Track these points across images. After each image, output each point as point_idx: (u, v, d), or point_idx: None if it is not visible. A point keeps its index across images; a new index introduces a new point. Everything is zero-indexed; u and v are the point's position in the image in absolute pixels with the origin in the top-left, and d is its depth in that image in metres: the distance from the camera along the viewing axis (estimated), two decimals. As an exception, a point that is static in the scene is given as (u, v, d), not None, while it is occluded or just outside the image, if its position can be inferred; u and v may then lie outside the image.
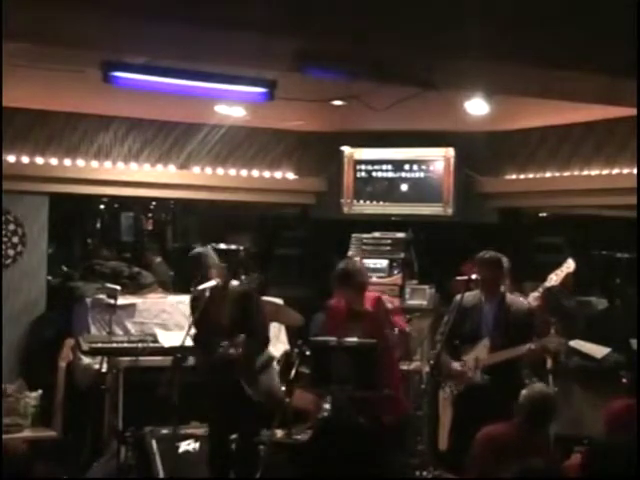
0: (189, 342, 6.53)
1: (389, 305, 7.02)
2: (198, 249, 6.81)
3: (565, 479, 4.82)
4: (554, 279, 7.17)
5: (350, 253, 8.68)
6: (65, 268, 8.94)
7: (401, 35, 4.75)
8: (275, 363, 7.37)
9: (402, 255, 8.68)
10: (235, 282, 6.76)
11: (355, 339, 6.33)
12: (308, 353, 6.56)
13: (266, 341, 6.67)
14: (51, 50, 5.14)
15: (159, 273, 9.40)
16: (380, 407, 6.50)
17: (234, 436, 6.61)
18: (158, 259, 10.06)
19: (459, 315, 6.55)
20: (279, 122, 8.64)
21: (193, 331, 6.50)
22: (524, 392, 5.60)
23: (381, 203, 9.14)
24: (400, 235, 8.79)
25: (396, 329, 6.81)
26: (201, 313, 6.39)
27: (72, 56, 5.34)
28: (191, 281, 6.58)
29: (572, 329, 7.70)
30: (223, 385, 6.44)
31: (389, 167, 9.11)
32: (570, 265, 7.14)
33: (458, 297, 6.65)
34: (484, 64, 5.05)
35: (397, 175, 9.09)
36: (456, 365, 6.56)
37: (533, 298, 7.16)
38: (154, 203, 11.43)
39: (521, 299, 6.87)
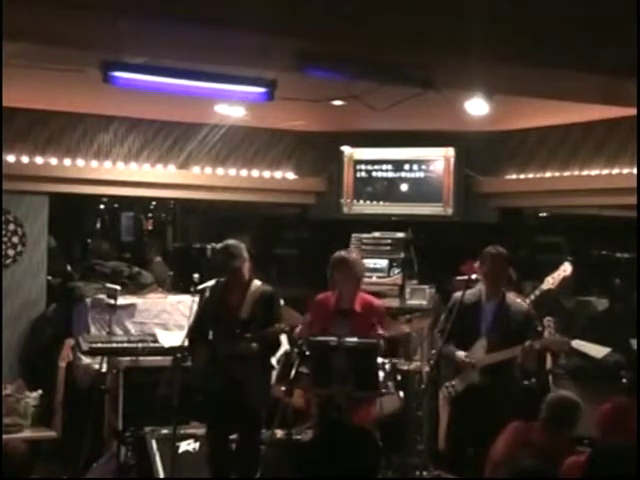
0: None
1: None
2: (229, 241, 6.69)
3: (566, 479, 4.80)
4: (550, 282, 7.14)
5: (350, 253, 8.67)
6: (69, 267, 8.94)
7: (401, 35, 4.75)
8: (275, 363, 7.37)
9: (402, 255, 8.68)
10: (257, 281, 6.67)
11: (355, 339, 6.33)
12: (308, 353, 6.55)
13: (279, 345, 6.67)
14: (51, 50, 5.14)
15: (159, 273, 9.40)
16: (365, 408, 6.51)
17: (233, 436, 6.60)
18: (158, 259, 10.06)
19: (459, 313, 6.54)
20: (279, 122, 8.64)
21: (192, 324, 6.47)
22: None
23: (381, 203, 9.13)
24: (400, 235, 8.79)
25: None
26: (214, 306, 6.37)
27: (72, 56, 5.33)
28: (221, 275, 6.53)
29: (572, 329, 7.70)
30: (221, 382, 6.39)
31: (389, 167, 9.11)
32: (567, 269, 7.08)
33: (458, 294, 6.64)
34: (484, 64, 5.05)
35: (397, 175, 9.09)
36: (461, 355, 6.54)
37: (529, 302, 7.13)
38: (154, 203, 11.44)
39: (519, 300, 6.86)
